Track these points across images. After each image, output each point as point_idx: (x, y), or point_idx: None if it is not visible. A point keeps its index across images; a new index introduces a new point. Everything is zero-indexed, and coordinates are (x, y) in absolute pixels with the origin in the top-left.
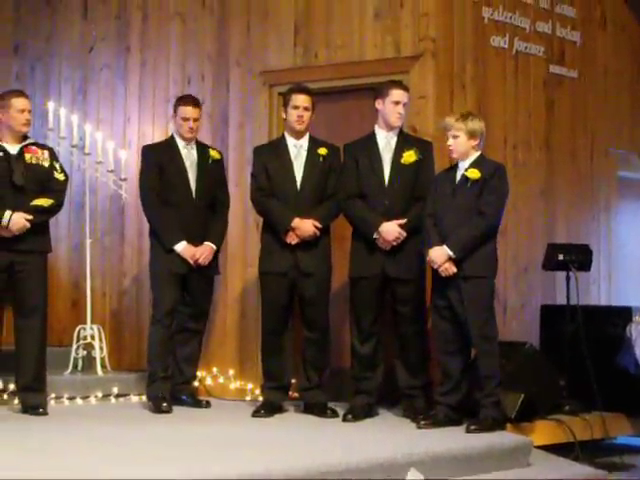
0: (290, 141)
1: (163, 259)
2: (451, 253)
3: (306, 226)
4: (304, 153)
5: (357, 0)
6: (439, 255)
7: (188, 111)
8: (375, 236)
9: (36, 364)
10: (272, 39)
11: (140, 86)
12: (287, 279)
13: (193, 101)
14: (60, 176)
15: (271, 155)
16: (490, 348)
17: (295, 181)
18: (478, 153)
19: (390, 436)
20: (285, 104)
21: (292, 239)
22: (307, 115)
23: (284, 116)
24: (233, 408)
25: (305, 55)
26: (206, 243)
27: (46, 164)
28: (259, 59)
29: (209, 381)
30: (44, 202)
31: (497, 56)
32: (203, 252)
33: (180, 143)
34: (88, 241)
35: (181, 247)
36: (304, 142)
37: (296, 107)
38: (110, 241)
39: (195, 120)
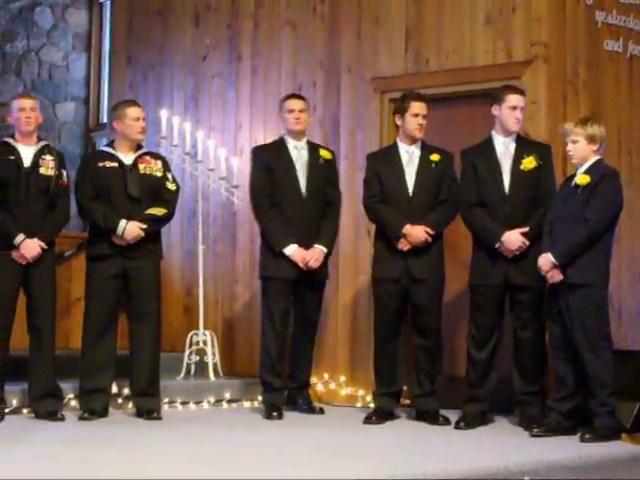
0: (402, 147)
1: (273, 264)
2: (554, 260)
3: (418, 233)
4: (416, 159)
5: (468, 5)
6: (545, 262)
7: (292, 103)
8: (497, 245)
9: (150, 369)
10: (383, 45)
11: (251, 94)
12: (399, 286)
13: (295, 95)
14: (172, 186)
15: (383, 162)
16: (601, 356)
17: (407, 187)
18: (596, 158)
19: (503, 444)
20: (401, 111)
21: (404, 246)
22: (424, 122)
23: (399, 123)
24: (344, 414)
25: (416, 61)
26: (316, 246)
27: (159, 174)
28: (370, 65)
29: (320, 387)
30: (157, 211)
31: (611, 60)
32: (313, 255)
33: (290, 143)
34: (200, 248)
35: (291, 250)
36: (416, 149)
37: (416, 115)
38: (222, 248)
39: (301, 111)
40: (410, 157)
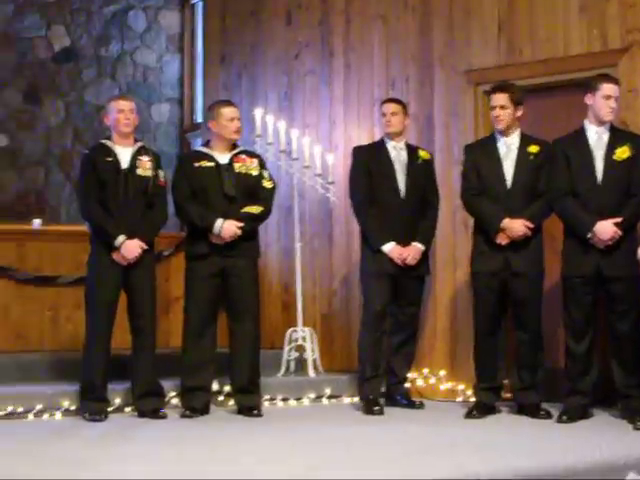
0: (500, 139)
1: (373, 260)
2: None
3: (516, 226)
4: (514, 151)
5: None
6: None
7: (385, 107)
8: (589, 235)
9: (250, 366)
10: (475, 37)
11: (345, 90)
12: (498, 279)
13: (389, 99)
14: (268, 184)
15: (481, 154)
16: None
17: (505, 180)
18: None
19: (606, 437)
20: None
21: (502, 240)
22: (504, 113)
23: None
24: (444, 409)
25: (509, 52)
26: (414, 244)
27: (255, 173)
28: (463, 58)
29: (420, 382)
30: (254, 209)
31: None
32: (410, 252)
33: (389, 144)
34: (297, 245)
35: (389, 248)
36: (514, 140)
37: (492, 107)
38: (319, 244)
39: (392, 114)
40: (508, 149)
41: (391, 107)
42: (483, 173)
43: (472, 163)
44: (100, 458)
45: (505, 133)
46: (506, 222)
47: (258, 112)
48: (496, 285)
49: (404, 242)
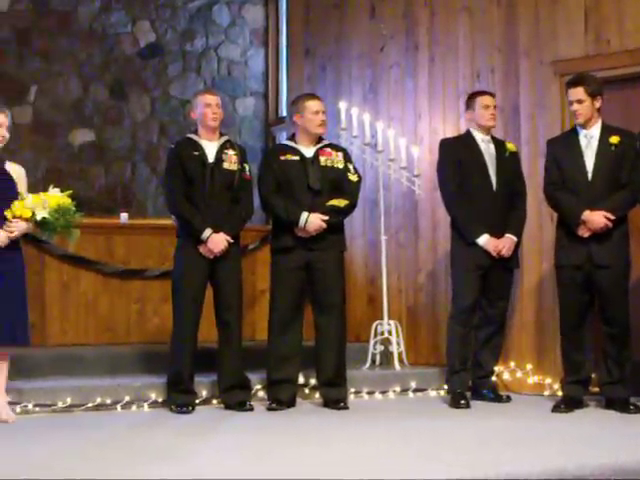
0: (581, 131)
1: (465, 253)
2: None
3: (597, 218)
4: (595, 143)
5: None
6: None
7: (488, 99)
8: None
9: (336, 360)
10: (561, 27)
11: (430, 82)
12: (582, 272)
13: (490, 92)
14: (353, 177)
15: (562, 147)
16: None
17: (586, 172)
18: None
19: None
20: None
21: (584, 232)
22: (582, 107)
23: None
24: (531, 403)
25: (596, 42)
26: (507, 235)
27: (340, 166)
28: (549, 49)
29: (506, 376)
30: (339, 203)
31: None
32: (505, 244)
33: (478, 137)
34: (383, 238)
35: (484, 240)
36: (595, 131)
37: (570, 102)
38: (405, 237)
39: (495, 107)
40: (589, 141)
41: (494, 100)
42: (564, 166)
43: (553, 157)
44: (187, 450)
45: (585, 126)
46: (586, 214)
47: (343, 105)
48: (580, 278)
49: (497, 234)
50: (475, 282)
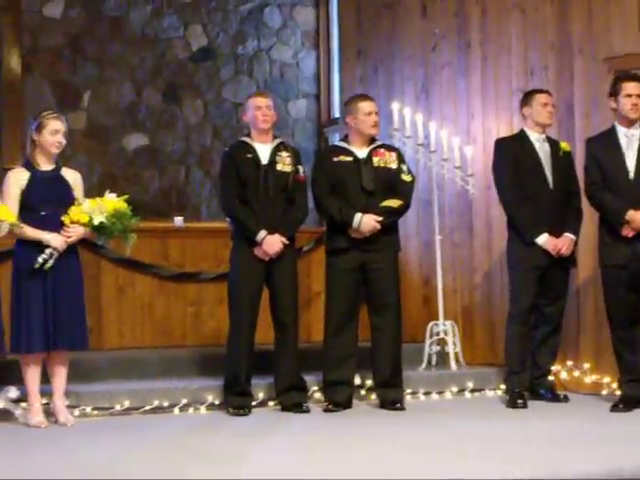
0: (621, 130)
1: (523, 253)
2: None
3: None
4: (636, 142)
5: None
6: None
7: (546, 97)
8: None
9: (393, 360)
10: (615, 23)
11: (482, 81)
12: (627, 271)
13: (546, 90)
14: (407, 177)
15: (602, 146)
16: None
17: (627, 171)
18: None
19: None
20: (614, 93)
21: (628, 232)
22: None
23: (613, 105)
24: (590, 402)
25: None
26: (566, 234)
27: (393, 166)
28: (603, 45)
29: (564, 375)
30: (393, 203)
31: None
32: (565, 243)
33: (532, 136)
34: (437, 238)
35: (543, 239)
36: (636, 130)
37: (629, 95)
38: (459, 237)
39: (553, 105)
40: (629, 140)
41: (550, 98)
42: (604, 165)
43: (592, 156)
44: (243, 452)
45: (630, 123)
46: (630, 214)
47: (395, 106)
48: (626, 277)
49: (555, 233)
50: (533, 282)
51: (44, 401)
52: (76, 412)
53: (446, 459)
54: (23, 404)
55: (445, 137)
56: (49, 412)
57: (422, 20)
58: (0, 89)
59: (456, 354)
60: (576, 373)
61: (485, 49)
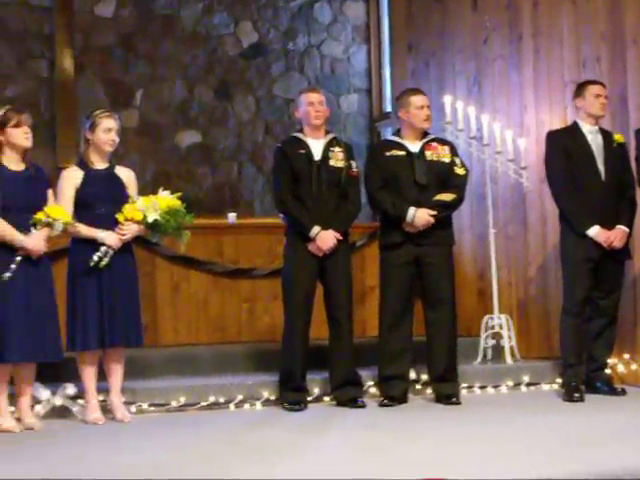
0: None
1: (576, 245)
2: None
3: None
4: None
5: None
6: None
7: (599, 88)
8: None
9: (448, 355)
10: None
11: (534, 73)
12: None
13: (601, 81)
14: (460, 171)
15: None
16: None
17: None
18: None
19: None
20: None
21: None
22: None
23: None
24: None
25: None
26: (618, 226)
27: (446, 160)
28: None
29: (621, 368)
30: (446, 197)
31: None
32: (617, 235)
33: (585, 128)
34: (492, 231)
35: (594, 231)
36: None
37: None
38: (513, 230)
39: (606, 97)
40: None
41: (603, 90)
42: None
43: None
44: (298, 448)
45: None
46: None
47: (447, 99)
48: None
49: (607, 225)
50: (586, 274)
51: (101, 398)
52: (133, 409)
53: (504, 455)
54: (80, 401)
55: (498, 130)
56: (106, 409)
57: (473, 13)
58: (53, 89)
59: (511, 348)
60: (633, 366)
61: (537, 41)
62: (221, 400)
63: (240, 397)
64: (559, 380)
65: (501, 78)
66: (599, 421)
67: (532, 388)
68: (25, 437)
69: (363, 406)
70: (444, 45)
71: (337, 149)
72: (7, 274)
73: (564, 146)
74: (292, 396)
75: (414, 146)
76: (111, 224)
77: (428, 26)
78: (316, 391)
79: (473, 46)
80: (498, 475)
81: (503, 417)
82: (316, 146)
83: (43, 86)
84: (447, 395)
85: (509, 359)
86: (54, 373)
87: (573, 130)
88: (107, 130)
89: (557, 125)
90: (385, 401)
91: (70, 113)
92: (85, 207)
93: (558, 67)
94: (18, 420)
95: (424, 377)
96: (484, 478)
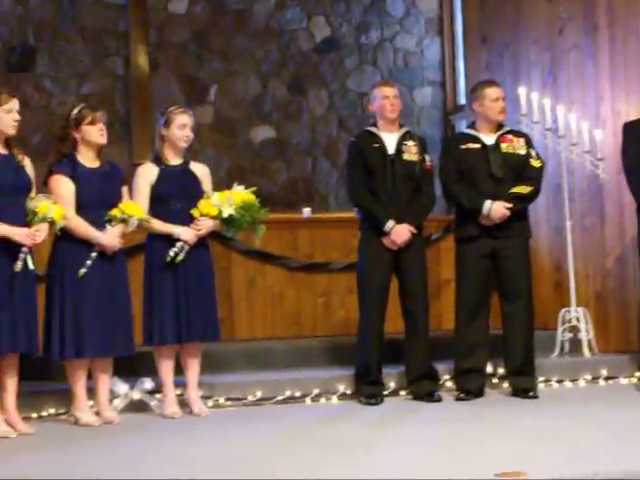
0: None
1: None
2: None
3: None
4: None
5: None
6: None
7: None
8: None
9: (525, 348)
10: None
11: (611, 64)
12: None
13: None
14: (536, 163)
15: None
16: None
17: None
18: None
19: None
20: None
21: None
22: None
23: None
24: None
25: None
26: None
27: (522, 152)
28: None
29: None
30: (522, 189)
31: None
32: None
33: None
34: (568, 223)
35: None
36: None
37: None
38: (590, 222)
39: None
40: None
41: None
42: None
43: None
44: (376, 441)
45: None
46: None
47: (522, 91)
48: None
49: None
50: None
51: (178, 392)
52: (209, 403)
53: (584, 451)
54: (158, 395)
55: (574, 121)
56: (183, 403)
57: (547, 4)
58: (128, 86)
59: (589, 341)
60: None
61: (613, 31)
62: (297, 394)
63: (316, 391)
64: (638, 374)
65: (577, 69)
66: None
67: (610, 382)
68: (104, 431)
69: (439, 400)
70: (518, 36)
71: (411, 143)
72: (83, 270)
73: None
74: (368, 390)
75: (489, 139)
76: (186, 220)
77: (501, 17)
78: (392, 385)
79: (548, 37)
80: (579, 473)
81: (582, 412)
82: (390, 140)
83: (118, 83)
84: (524, 389)
85: (587, 352)
86: (132, 368)
87: None
88: (182, 126)
89: (634, 116)
90: (461, 395)
91: (145, 110)
92: (160, 203)
93: (635, 57)
94: (97, 414)
95: (501, 371)
96: (563, 474)
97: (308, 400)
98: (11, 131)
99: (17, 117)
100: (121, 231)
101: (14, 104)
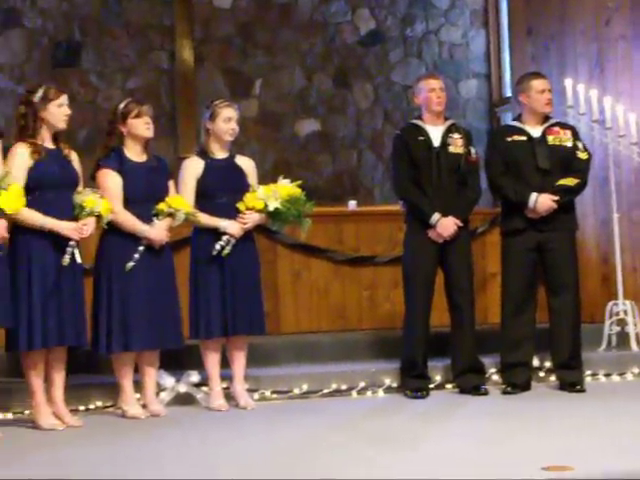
0: None
1: None
2: None
3: None
4: None
5: None
6: None
7: None
8: None
9: (571, 341)
10: None
11: None
12: None
13: None
14: (583, 155)
15: None
16: None
17: None
18: None
19: None
20: None
21: None
22: None
23: None
24: None
25: None
26: None
27: (569, 144)
28: None
29: None
30: (569, 182)
31: None
32: None
33: None
34: (615, 215)
35: None
36: None
37: None
38: (637, 215)
39: None
40: None
41: None
42: None
43: None
44: (422, 435)
45: None
46: None
47: (568, 82)
48: None
49: None
50: None
51: (224, 385)
52: (256, 396)
53: (632, 445)
54: (204, 388)
55: (621, 113)
56: (229, 396)
57: None
58: (174, 80)
59: (637, 334)
60: None
61: None
62: (343, 387)
63: (362, 384)
64: None
65: (624, 60)
66: None
67: None
68: (150, 423)
69: (486, 394)
70: (564, 28)
71: (456, 135)
72: (130, 263)
73: None
74: (414, 383)
75: (535, 131)
76: (232, 213)
77: (547, 9)
78: (438, 378)
79: (594, 28)
80: (626, 468)
81: (629, 406)
82: (435, 133)
83: (164, 77)
84: (571, 383)
85: (634, 346)
86: (178, 361)
87: None
88: (227, 119)
89: None
90: (508, 389)
91: (190, 104)
92: (206, 197)
93: None
94: (144, 407)
95: (547, 364)
96: (611, 469)
97: (354, 393)
98: (62, 125)
99: (68, 111)
100: (168, 225)
101: (64, 99)
